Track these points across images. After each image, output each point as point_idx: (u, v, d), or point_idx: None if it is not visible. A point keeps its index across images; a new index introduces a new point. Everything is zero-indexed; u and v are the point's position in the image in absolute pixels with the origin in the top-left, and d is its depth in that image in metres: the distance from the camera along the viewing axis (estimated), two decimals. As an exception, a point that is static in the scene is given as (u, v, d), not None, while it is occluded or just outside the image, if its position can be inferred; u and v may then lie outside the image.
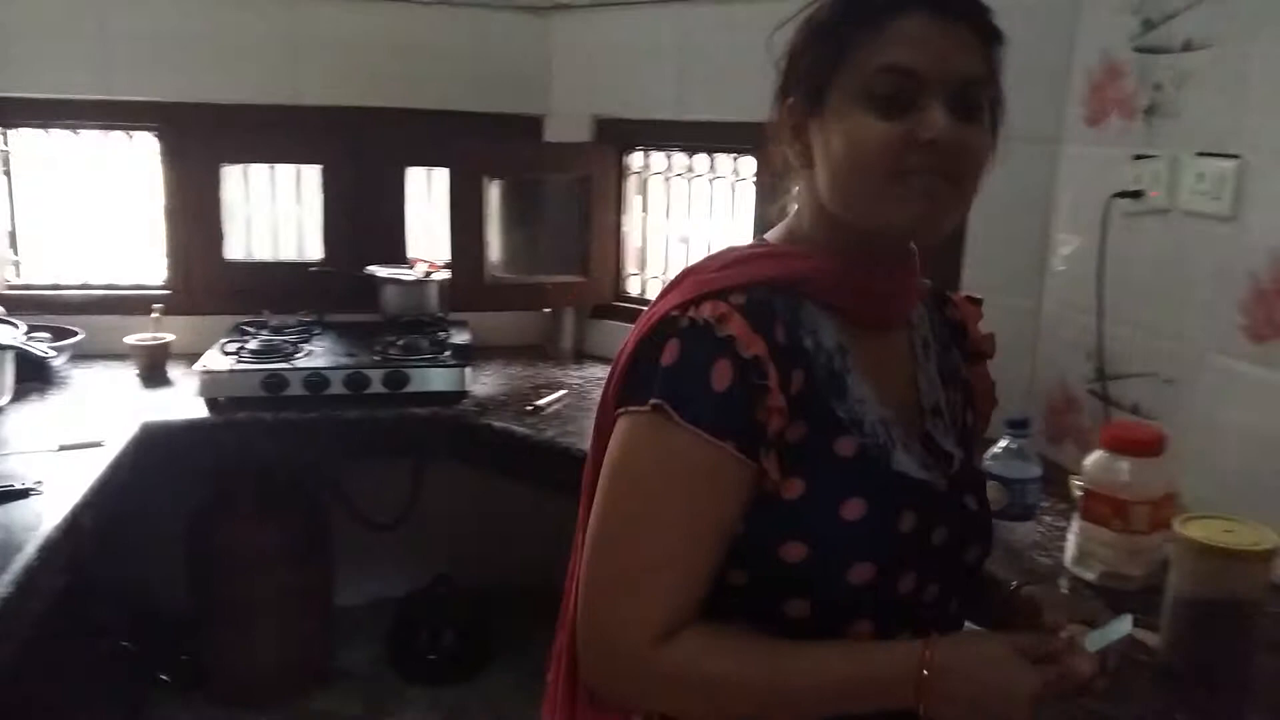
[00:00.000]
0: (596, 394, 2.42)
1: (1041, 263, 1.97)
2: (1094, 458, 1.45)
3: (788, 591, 0.88)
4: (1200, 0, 1.57)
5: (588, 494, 0.94)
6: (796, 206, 0.98)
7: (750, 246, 0.97)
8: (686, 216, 2.66)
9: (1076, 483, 1.51)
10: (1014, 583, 1.05)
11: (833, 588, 0.88)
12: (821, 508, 0.87)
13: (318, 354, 2.36)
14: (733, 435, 0.84)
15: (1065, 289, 1.90)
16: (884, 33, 0.85)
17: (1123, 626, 0.90)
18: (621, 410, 0.88)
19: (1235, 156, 1.51)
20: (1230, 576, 1.19)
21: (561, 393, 2.36)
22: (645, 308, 0.97)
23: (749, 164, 2.47)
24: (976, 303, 1.12)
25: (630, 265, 2.78)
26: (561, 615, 1.03)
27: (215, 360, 2.26)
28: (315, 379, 2.22)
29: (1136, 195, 1.69)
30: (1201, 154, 1.57)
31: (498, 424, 2.18)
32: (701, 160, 2.59)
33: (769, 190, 2.40)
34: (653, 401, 0.84)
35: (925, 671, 0.82)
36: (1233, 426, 1.54)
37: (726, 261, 0.93)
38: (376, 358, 2.32)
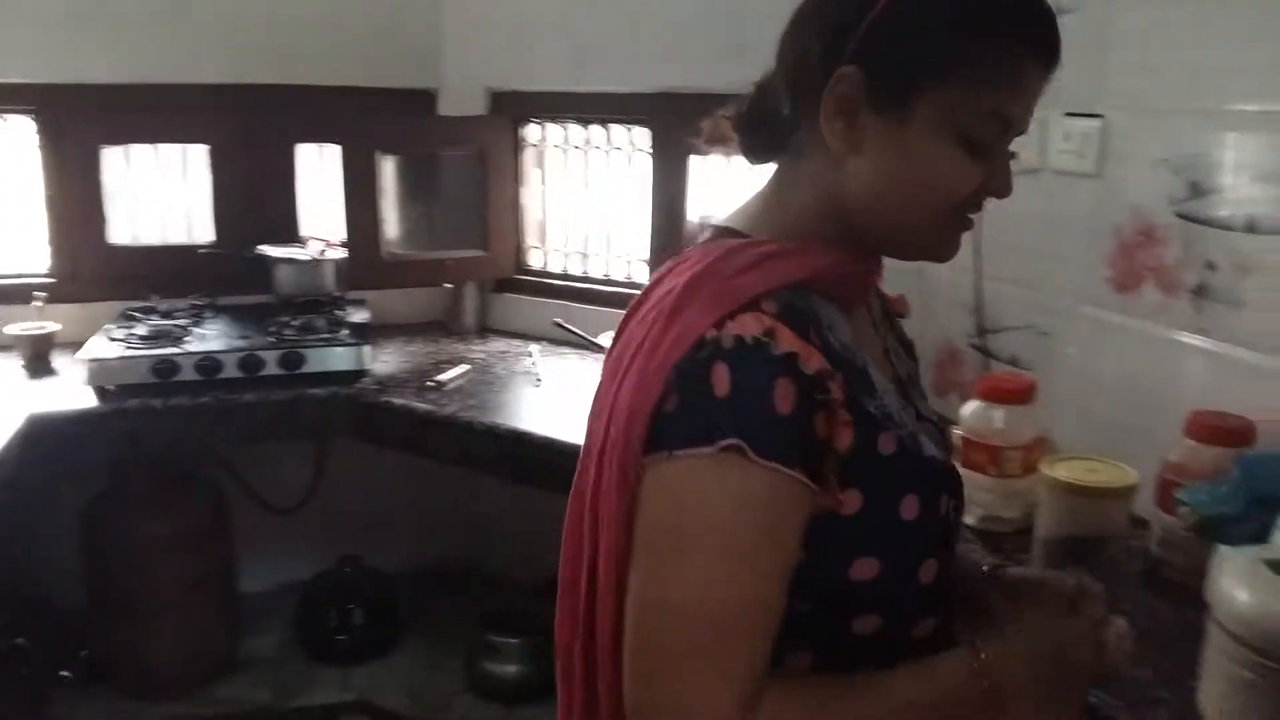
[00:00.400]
0: (500, 368, 2.46)
1: (925, 224, 2.03)
2: (970, 408, 1.52)
3: (857, 610, 0.82)
4: (1063, -34, 1.64)
5: (591, 541, 0.84)
6: (775, 190, 0.89)
7: (756, 243, 0.84)
8: (585, 189, 2.66)
9: (956, 432, 1.58)
10: (986, 565, 1.02)
11: (904, 595, 0.84)
12: (884, 515, 0.81)
13: (210, 337, 2.31)
14: (802, 461, 0.75)
15: (948, 249, 1.97)
16: (1009, 77, 0.78)
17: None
18: (661, 455, 0.76)
19: (1099, 116, 1.58)
20: (1093, 513, 1.26)
21: (464, 368, 2.36)
22: (647, 300, 0.86)
23: (645, 136, 2.49)
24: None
25: (531, 238, 2.78)
26: (567, 670, 0.92)
27: (102, 347, 2.19)
28: (207, 363, 2.17)
29: (1011, 156, 1.75)
30: (1069, 114, 1.64)
31: (398, 401, 2.17)
32: (598, 132, 2.59)
33: (670, 162, 2.43)
34: (726, 443, 0.73)
35: (985, 680, 0.80)
36: (1102, 373, 1.62)
37: (744, 263, 0.81)
38: (271, 339, 2.28)
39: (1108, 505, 1.25)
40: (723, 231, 0.89)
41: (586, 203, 2.68)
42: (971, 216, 0.84)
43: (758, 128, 0.90)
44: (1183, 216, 1.45)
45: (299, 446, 2.69)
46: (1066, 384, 1.68)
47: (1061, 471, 1.27)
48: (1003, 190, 0.83)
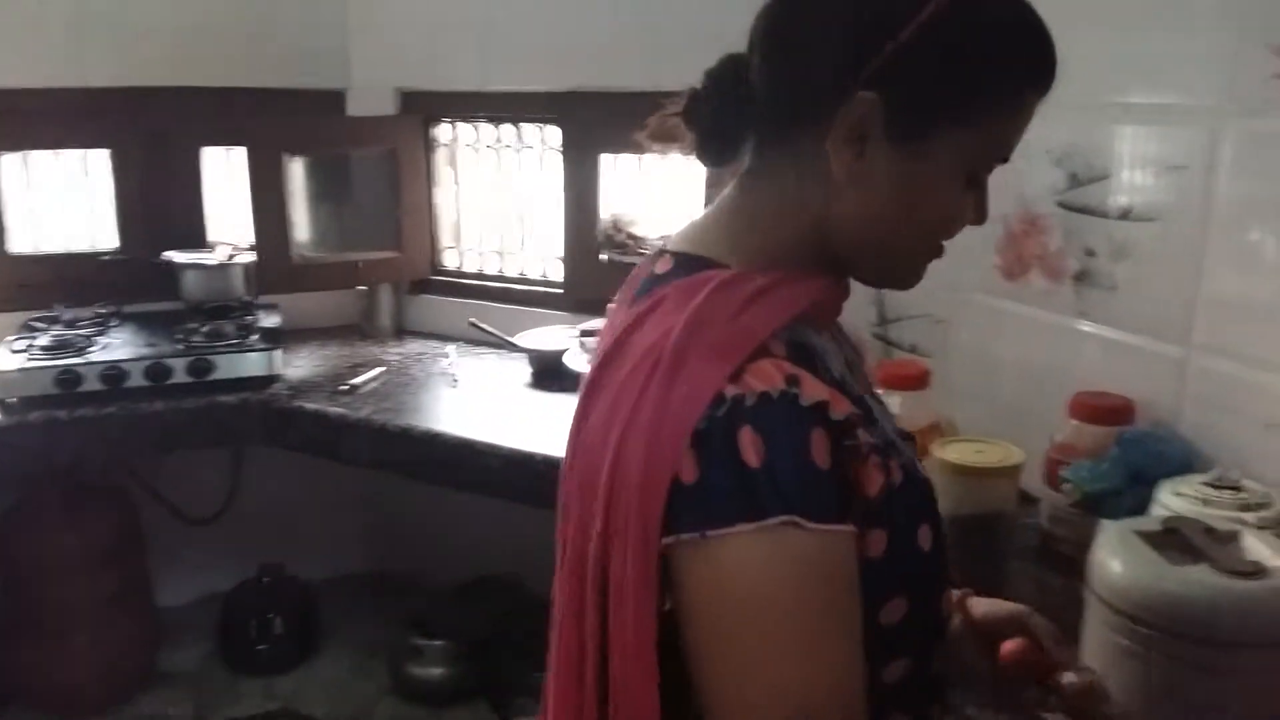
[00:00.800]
0: (417, 370, 2.45)
1: (829, 217, 2.07)
2: (870, 395, 1.56)
3: (888, 656, 0.77)
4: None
5: (595, 632, 0.74)
6: (739, 210, 0.82)
7: (743, 277, 0.76)
8: (499, 189, 2.66)
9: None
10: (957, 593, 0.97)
11: (928, 630, 0.80)
12: (906, 550, 0.76)
13: (115, 346, 2.26)
14: (848, 513, 0.70)
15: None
16: (1018, 117, 0.76)
17: None
18: (693, 536, 0.67)
19: (983, 110, 1.64)
20: (983, 492, 1.31)
21: (378, 370, 2.35)
22: (625, 347, 0.76)
23: (556, 134, 2.50)
24: None
25: (447, 239, 2.77)
26: None
27: (2, 359, 2.14)
28: (112, 372, 2.13)
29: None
30: (956, 108, 1.69)
31: (310, 406, 2.15)
32: (510, 131, 2.60)
33: (582, 161, 2.44)
34: (772, 521, 0.65)
35: None
36: (996, 358, 1.68)
37: (740, 301, 0.73)
38: (179, 346, 2.25)
39: (996, 484, 1.30)
40: (690, 260, 0.79)
41: (501, 202, 2.67)
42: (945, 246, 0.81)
43: (717, 129, 0.80)
44: (1064, 206, 1.51)
45: (215, 455, 2.65)
46: (964, 369, 1.74)
47: (951, 454, 1.31)
48: (982, 219, 0.80)
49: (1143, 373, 1.41)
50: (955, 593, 0.98)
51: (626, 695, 0.72)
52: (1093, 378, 1.46)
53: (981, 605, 0.97)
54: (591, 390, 0.79)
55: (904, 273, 0.82)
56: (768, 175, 0.80)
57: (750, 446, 0.66)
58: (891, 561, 0.74)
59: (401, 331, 2.73)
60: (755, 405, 0.67)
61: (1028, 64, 0.75)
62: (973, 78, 0.73)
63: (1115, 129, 1.43)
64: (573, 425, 0.81)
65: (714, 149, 0.81)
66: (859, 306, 1.97)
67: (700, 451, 0.67)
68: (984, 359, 1.70)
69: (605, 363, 0.78)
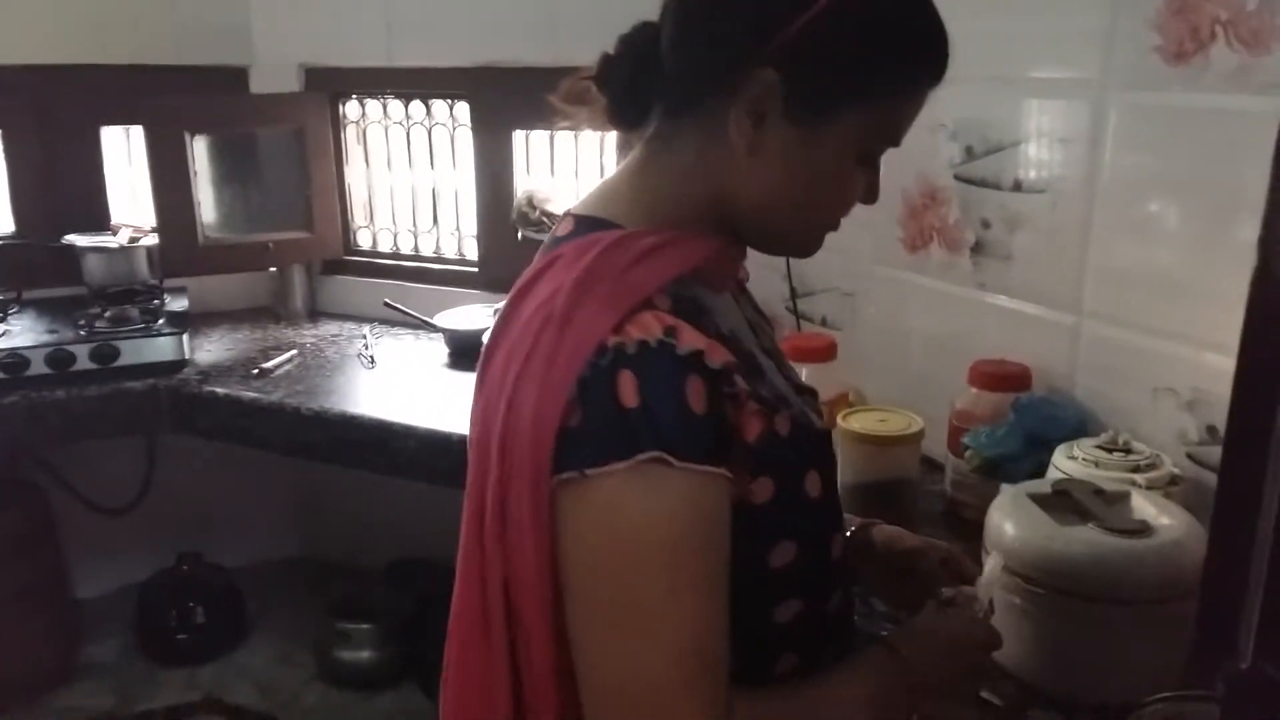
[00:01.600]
0: (332, 352, 2.42)
1: (741, 191, 2.09)
2: (779, 368, 1.59)
3: (778, 598, 0.82)
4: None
5: (498, 575, 0.77)
6: (643, 174, 0.84)
7: (639, 235, 0.79)
8: (410, 166, 2.63)
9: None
10: (855, 525, 1.05)
11: (820, 573, 0.84)
12: (793, 497, 0.80)
13: (15, 333, 2.20)
14: (723, 458, 0.73)
15: (762, 215, 2.05)
16: (915, 99, 0.81)
17: (996, 567, 1.01)
18: (573, 475, 0.71)
19: (885, 85, 1.66)
20: (886, 460, 1.35)
21: (291, 353, 2.31)
22: (524, 301, 0.79)
23: (465, 110, 2.47)
24: None
25: (359, 218, 2.73)
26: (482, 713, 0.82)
27: (-108, 349, 2.06)
28: (12, 360, 2.07)
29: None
30: (859, 83, 1.71)
31: (221, 390, 2.11)
32: (418, 108, 2.56)
33: (492, 136, 2.41)
34: (646, 456, 0.69)
35: (908, 676, 0.84)
36: (902, 329, 1.72)
37: (632, 258, 0.77)
38: (82, 332, 2.18)
39: (898, 452, 1.34)
40: (590, 222, 0.83)
41: (412, 180, 2.64)
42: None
43: (628, 94, 0.83)
44: (960, 179, 1.55)
45: (128, 443, 2.59)
46: (872, 341, 1.78)
47: (855, 423, 1.35)
48: (873, 199, 0.84)
49: (1038, 341, 1.45)
50: (858, 521, 1.06)
51: (526, 629, 0.76)
52: (992, 346, 1.51)
53: (881, 535, 1.04)
54: (490, 349, 0.83)
55: (798, 244, 0.87)
56: (671, 141, 0.82)
57: (628, 389, 0.70)
58: (780, 507, 0.79)
59: (315, 313, 2.69)
60: (635, 353, 0.71)
61: (923, 54, 0.80)
62: (870, 66, 0.77)
63: (1007, 103, 1.47)
64: (475, 385, 0.85)
65: (624, 113, 0.84)
66: (770, 280, 2.00)
67: (585, 397, 0.71)
68: (891, 330, 1.74)
69: (502, 322, 0.82)
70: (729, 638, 0.74)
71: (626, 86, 0.83)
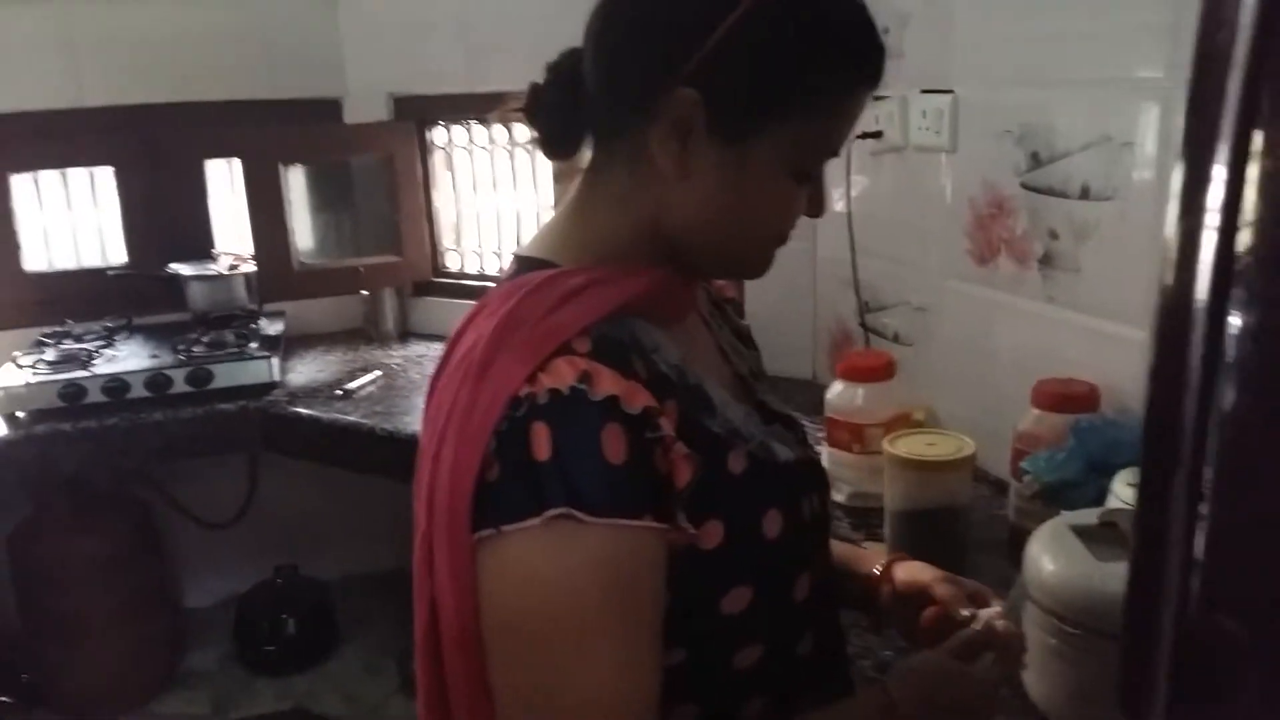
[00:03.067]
0: (415, 372, 2.47)
1: (813, 206, 2.04)
2: (834, 388, 1.53)
3: (736, 644, 0.78)
4: (911, -56, 1.65)
5: (430, 628, 0.75)
6: (576, 208, 0.82)
7: (562, 275, 0.77)
8: (494, 189, 2.67)
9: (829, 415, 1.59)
10: (880, 564, 1.00)
11: (781, 616, 0.80)
12: (747, 540, 0.76)
13: (120, 358, 2.31)
14: (647, 505, 0.69)
15: (835, 231, 1.98)
16: (845, 109, 0.77)
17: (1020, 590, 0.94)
18: (490, 532, 0.68)
19: (949, 92, 1.59)
20: (935, 485, 1.27)
21: (374, 374, 2.37)
22: (455, 350, 0.77)
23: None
24: None
25: (447, 240, 2.78)
26: None
27: (9, 375, 2.20)
28: (114, 384, 2.18)
29: (877, 135, 1.77)
30: (924, 91, 1.65)
31: (306, 411, 2.18)
32: (500, 131, 2.60)
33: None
34: (555, 512, 0.66)
35: (900, 710, 0.79)
36: (972, 345, 1.64)
37: (551, 302, 0.74)
38: (181, 357, 2.29)
39: (947, 478, 1.26)
40: (527, 262, 0.81)
41: (498, 202, 2.68)
42: (787, 238, 0.82)
43: (555, 122, 0.81)
44: (1027, 187, 1.46)
45: (232, 460, 2.70)
46: (944, 358, 1.70)
47: (901, 447, 1.28)
48: (818, 212, 0.81)
49: (1108, 358, 1.36)
50: (882, 559, 1.00)
51: (455, 685, 0.73)
52: (1063, 364, 1.41)
53: (902, 571, 0.98)
54: (428, 395, 0.81)
55: (744, 266, 0.83)
56: (604, 172, 0.80)
57: (541, 441, 0.67)
58: (731, 551, 0.75)
59: (406, 334, 2.75)
60: (547, 403, 0.68)
61: (849, 61, 0.75)
62: (791, 76, 0.73)
63: (1071, 105, 1.38)
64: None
65: (552, 144, 0.82)
66: (844, 295, 1.94)
67: (500, 451, 0.69)
68: (963, 347, 1.66)
69: (438, 368, 0.80)
70: (655, 689, 0.70)
71: (553, 116, 0.80)
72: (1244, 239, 0.50)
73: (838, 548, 1.00)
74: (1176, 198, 0.51)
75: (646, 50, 0.75)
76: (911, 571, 0.98)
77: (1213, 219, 0.47)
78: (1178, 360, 0.50)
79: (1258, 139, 0.47)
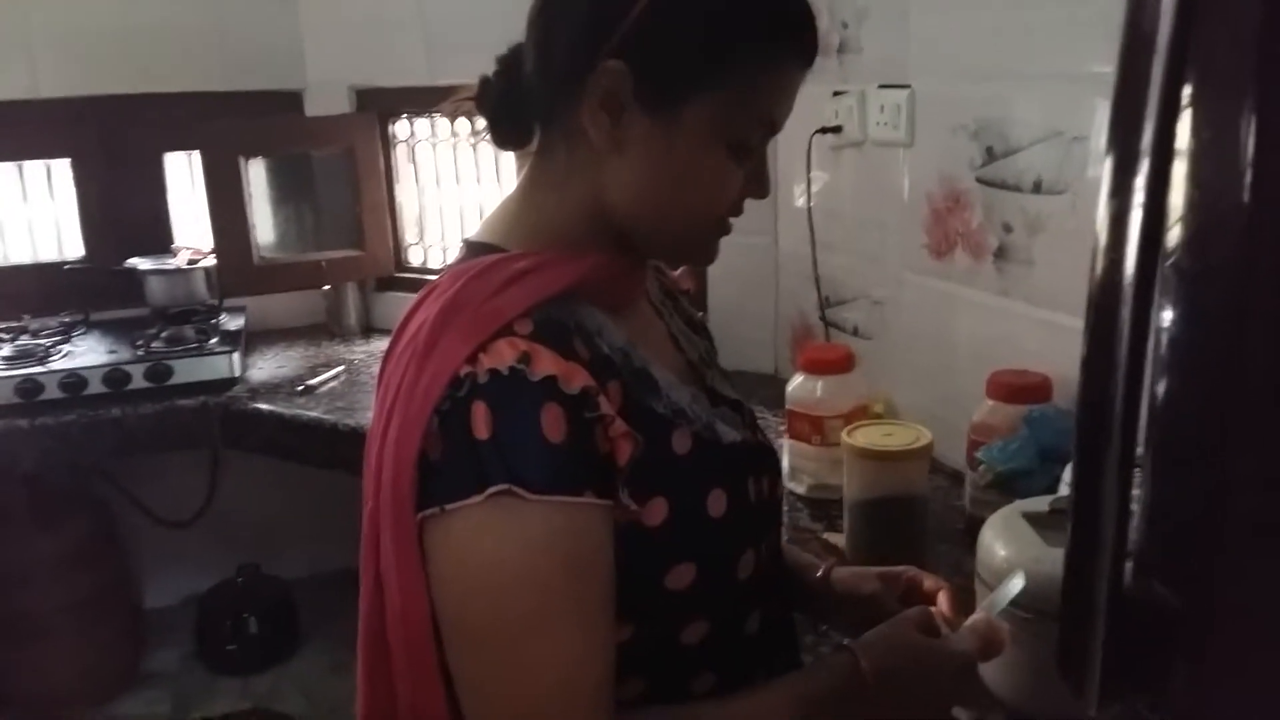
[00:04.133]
0: (378, 368, 2.44)
1: (774, 201, 2.05)
2: (794, 381, 1.54)
3: (682, 620, 0.79)
4: (867, -60, 1.66)
5: (377, 606, 0.77)
6: (525, 191, 0.84)
7: (509, 259, 0.78)
8: (457, 183, 2.66)
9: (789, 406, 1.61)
10: (820, 569, 1.00)
11: (726, 594, 0.81)
12: (691, 517, 0.78)
13: (77, 354, 2.29)
14: (588, 483, 0.70)
15: (797, 225, 2.00)
16: (771, 76, 0.76)
17: (1015, 585, 0.91)
18: (434, 511, 0.70)
19: (906, 86, 1.61)
20: (892, 475, 1.29)
21: (336, 369, 2.35)
22: (402, 335, 0.79)
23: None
24: None
25: (411, 235, 2.77)
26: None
27: (-36, 371, 2.17)
28: (71, 380, 2.15)
29: (837, 130, 1.78)
30: (882, 86, 1.66)
31: (266, 407, 2.16)
32: (463, 124, 2.59)
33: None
34: (492, 490, 0.67)
35: (871, 681, 0.79)
36: (930, 337, 1.66)
37: (496, 285, 0.76)
38: (140, 352, 2.26)
39: (904, 467, 1.28)
40: (476, 247, 0.83)
41: (461, 195, 2.67)
42: (730, 222, 0.82)
43: (503, 112, 0.83)
44: (982, 181, 1.48)
45: (193, 457, 2.67)
46: (903, 351, 1.72)
47: (859, 438, 1.29)
48: (762, 192, 0.81)
49: (1061, 349, 1.37)
50: (822, 565, 1.01)
51: (404, 667, 0.74)
52: (1017, 356, 1.43)
53: (842, 582, 0.99)
54: (379, 378, 0.83)
55: (688, 249, 0.84)
56: (547, 156, 0.81)
57: (481, 421, 0.69)
58: (675, 528, 0.76)
59: (369, 329, 2.73)
60: (487, 382, 0.70)
61: (776, 30, 0.76)
62: (716, 45, 0.74)
63: (1024, 100, 1.40)
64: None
65: (501, 133, 0.84)
66: (805, 290, 1.95)
67: (444, 430, 0.70)
68: (921, 339, 1.68)
69: (388, 350, 0.82)
70: (610, 663, 0.72)
71: (499, 105, 0.82)
72: (1168, 239, 0.51)
73: (788, 550, 1.02)
74: (1105, 187, 0.52)
75: (574, 25, 0.76)
76: (848, 584, 0.99)
77: (1138, 199, 0.48)
78: (1107, 345, 0.51)
79: (1183, 127, 0.49)
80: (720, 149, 0.76)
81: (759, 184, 0.80)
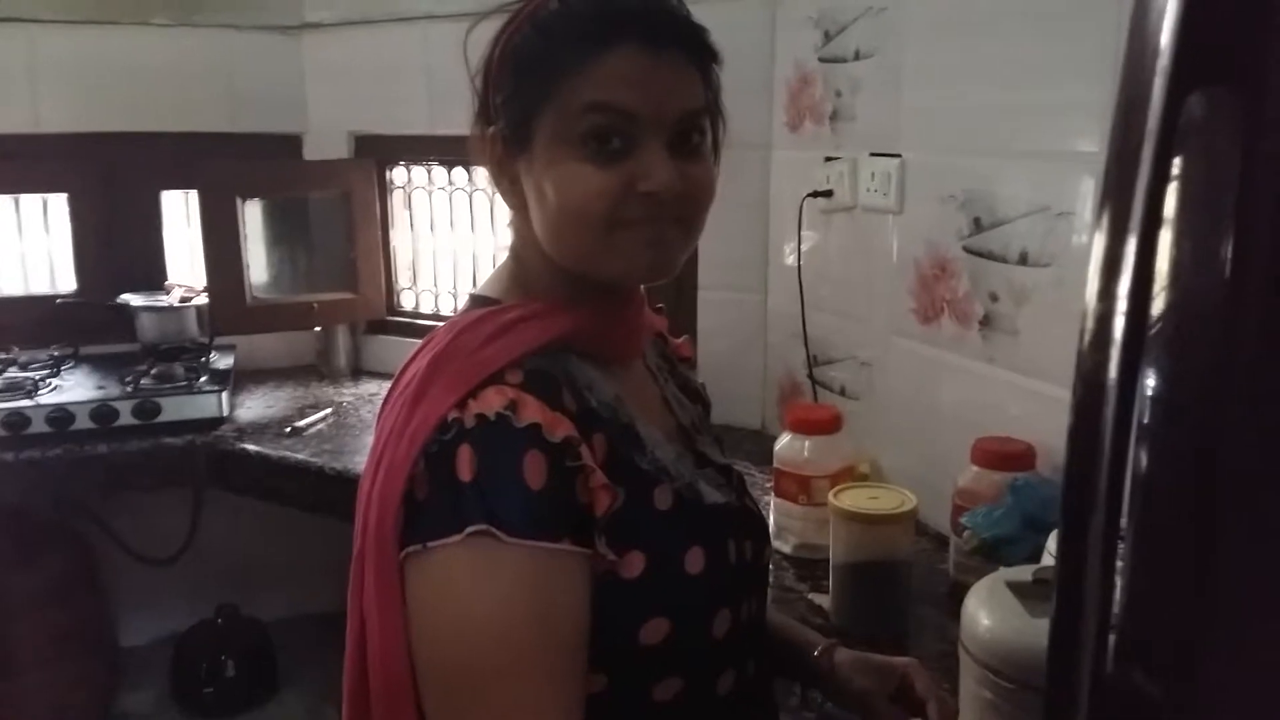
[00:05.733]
0: (366, 411, 2.46)
1: (766, 260, 2.09)
2: (782, 440, 1.56)
3: (655, 675, 0.79)
4: (864, 13, 1.71)
5: (360, 647, 0.79)
6: (511, 248, 0.89)
7: (500, 311, 0.82)
8: (452, 230, 2.69)
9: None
10: (819, 648, 1.02)
11: (700, 652, 0.82)
12: (668, 573, 0.79)
13: (65, 388, 2.28)
14: (566, 530, 0.72)
15: (787, 284, 2.03)
16: (589, 69, 0.76)
17: None
18: (416, 549, 0.72)
19: (897, 156, 1.65)
20: (877, 539, 1.31)
21: (324, 412, 2.36)
22: (398, 383, 0.82)
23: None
24: (659, 311, 1.10)
25: (403, 279, 2.79)
26: None
27: (-49, 402, 2.16)
28: (58, 414, 2.15)
29: (828, 194, 1.82)
30: (874, 154, 1.71)
31: (253, 448, 2.16)
32: (460, 173, 2.62)
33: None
34: (471, 530, 0.70)
35: None
36: (916, 401, 1.68)
37: (486, 335, 0.79)
38: (128, 389, 2.26)
39: (889, 531, 1.29)
40: (476, 300, 0.87)
41: (455, 242, 2.70)
42: (641, 221, 0.79)
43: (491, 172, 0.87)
44: (969, 250, 1.52)
45: (175, 496, 2.66)
46: (889, 413, 1.74)
47: (845, 500, 1.31)
48: (654, 183, 0.77)
49: (1045, 418, 1.40)
50: (823, 643, 1.03)
51: (382, 707, 0.76)
52: (1003, 423, 1.46)
53: (840, 667, 1.01)
54: (377, 426, 0.85)
55: (606, 264, 0.81)
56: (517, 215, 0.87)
57: (465, 463, 0.72)
58: (651, 582, 0.78)
59: (359, 372, 2.74)
60: (474, 427, 0.73)
61: (585, 33, 0.78)
62: (537, 70, 0.79)
63: (1012, 174, 1.44)
64: None
65: (499, 189, 0.87)
66: (793, 348, 1.98)
67: (429, 471, 0.73)
68: (907, 402, 1.70)
69: (384, 400, 0.85)
70: (578, 715, 0.73)
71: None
72: (1153, 318, 0.54)
73: (775, 618, 1.04)
74: (1095, 276, 0.55)
75: (476, 106, 0.85)
76: (846, 671, 1.00)
77: (1123, 304, 0.51)
78: (1092, 430, 0.53)
79: (1166, 228, 0.52)
80: (571, 154, 0.78)
81: (647, 176, 0.78)
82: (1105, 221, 0.54)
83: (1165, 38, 0.48)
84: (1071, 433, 0.56)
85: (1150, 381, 0.54)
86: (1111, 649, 0.57)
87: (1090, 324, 0.55)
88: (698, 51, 0.81)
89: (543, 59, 0.78)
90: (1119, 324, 0.53)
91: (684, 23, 0.81)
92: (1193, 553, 0.54)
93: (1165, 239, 0.53)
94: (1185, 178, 0.51)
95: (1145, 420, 0.56)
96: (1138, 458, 0.57)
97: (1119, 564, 0.56)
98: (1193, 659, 0.53)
